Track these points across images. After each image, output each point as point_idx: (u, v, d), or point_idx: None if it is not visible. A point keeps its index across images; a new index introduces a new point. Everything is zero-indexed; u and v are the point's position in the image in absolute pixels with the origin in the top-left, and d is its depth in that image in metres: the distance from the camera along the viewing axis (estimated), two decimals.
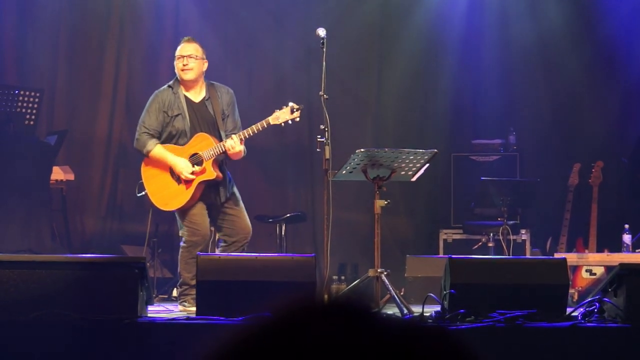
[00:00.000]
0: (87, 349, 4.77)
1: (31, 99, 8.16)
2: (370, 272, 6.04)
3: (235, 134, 6.52)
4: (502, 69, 9.20)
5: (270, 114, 6.52)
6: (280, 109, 6.55)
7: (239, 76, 8.75)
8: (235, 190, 6.67)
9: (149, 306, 5.37)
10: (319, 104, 6.50)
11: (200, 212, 6.56)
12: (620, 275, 5.12)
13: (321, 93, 6.49)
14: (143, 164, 6.67)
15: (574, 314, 5.23)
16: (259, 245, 8.00)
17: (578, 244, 8.13)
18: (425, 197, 9.06)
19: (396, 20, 9.37)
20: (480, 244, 8.21)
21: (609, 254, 7.80)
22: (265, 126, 6.48)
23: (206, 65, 6.67)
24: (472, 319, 4.97)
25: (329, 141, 6.38)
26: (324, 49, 6.57)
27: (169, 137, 6.58)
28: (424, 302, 5.33)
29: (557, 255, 7.59)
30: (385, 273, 6.00)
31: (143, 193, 6.65)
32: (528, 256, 8.00)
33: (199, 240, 6.53)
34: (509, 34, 9.21)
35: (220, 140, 6.51)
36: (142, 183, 6.65)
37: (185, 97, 6.61)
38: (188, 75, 6.58)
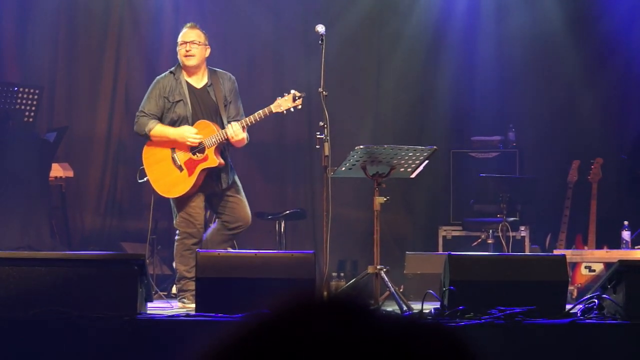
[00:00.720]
0: (86, 346, 4.77)
1: (30, 96, 8.16)
2: (370, 269, 6.04)
3: (237, 120, 6.52)
4: (501, 65, 9.20)
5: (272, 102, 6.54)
6: (282, 96, 6.56)
7: (238, 74, 8.73)
8: (237, 178, 6.67)
9: (148, 303, 5.37)
10: (319, 100, 6.50)
11: (197, 205, 6.56)
12: (620, 272, 5.12)
13: (320, 90, 6.48)
14: (144, 150, 6.63)
15: (573, 310, 5.23)
16: (259, 242, 8.00)
17: (577, 240, 8.13)
18: (425, 193, 9.05)
19: (396, 16, 9.36)
20: (479, 240, 8.21)
21: (608, 250, 7.80)
22: (268, 114, 6.50)
23: (209, 51, 6.68)
24: (471, 316, 4.97)
25: (328, 138, 6.38)
26: (323, 46, 6.56)
27: (170, 124, 6.56)
28: (423, 299, 5.33)
29: (556, 252, 7.60)
30: (384, 270, 5.99)
31: (144, 179, 6.62)
32: (527, 253, 8.00)
33: (193, 232, 6.53)
34: (508, 31, 9.20)
35: (223, 127, 6.51)
36: (144, 169, 6.62)
37: (187, 83, 6.61)
38: (191, 62, 6.58)
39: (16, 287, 4.96)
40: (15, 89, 8.15)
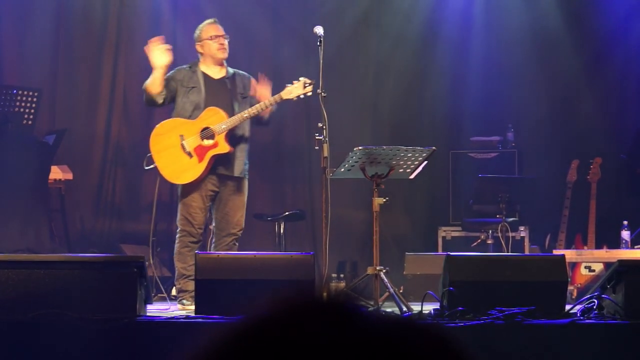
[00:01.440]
0: (86, 349, 4.77)
1: (29, 99, 8.15)
2: (369, 270, 6.04)
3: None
4: (500, 65, 9.20)
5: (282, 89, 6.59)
6: (292, 84, 6.59)
7: None
8: (247, 179, 6.67)
9: (147, 305, 5.37)
10: (317, 101, 6.50)
11: (200, 207, 6.58)
12: (619, 272, 5.12)
13: (319, 91, 6.48)
14: (152, 137, 6.63)
15: (572, 310, 5.23)
16: (258, 244, 8.00)
17: (577, 240, 8.13)
18: (424, 194, 9.05)
19: (394, 17, 9.36)
20: (479, 241, 8.21)
21: (607, 250, 7.80)
22: (278, 101, 6.56)
23: None
24: (471, 316, 4.97)
25: (327, 139, 6.38)
26: (322, 47, 6.57)
27: (183, 111, 6.59)
28: (422, 299, 5.33)
29: (555, 252, 7.60)
30: (384, 271, 6.00)
31: (152, 166, 6.60)
32: (527, 253, 8.00)
33: (191, 231, 6.54)
34: (507, 31, 9.21)
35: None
36: (151, 156, 6.61)
37: (204, 73, 6.70)
38: (225, 54, 6.76)
39: (15, 290, 4.96)
40: (14, 91, 8.15)
